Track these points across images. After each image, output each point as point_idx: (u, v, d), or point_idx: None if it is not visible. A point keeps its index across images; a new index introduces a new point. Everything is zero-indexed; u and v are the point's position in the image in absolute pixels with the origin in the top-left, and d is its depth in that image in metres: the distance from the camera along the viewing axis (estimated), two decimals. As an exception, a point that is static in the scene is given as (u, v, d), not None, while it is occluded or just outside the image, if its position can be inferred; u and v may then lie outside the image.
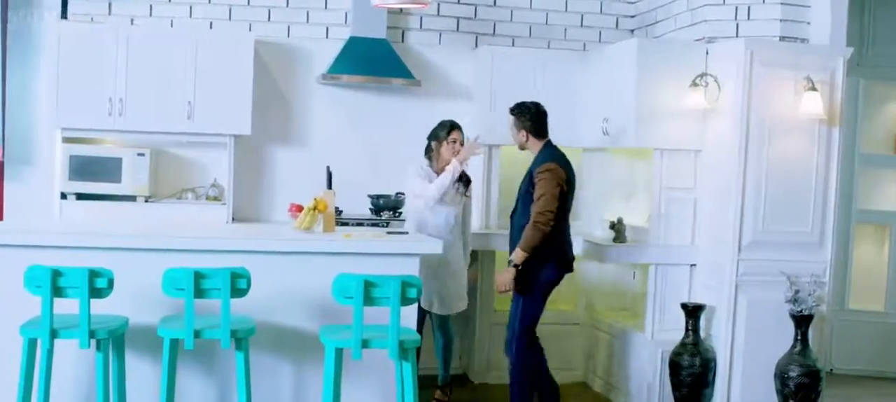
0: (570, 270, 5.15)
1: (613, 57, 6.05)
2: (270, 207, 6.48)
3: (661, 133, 5.70)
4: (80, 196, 5.95)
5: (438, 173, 5.52)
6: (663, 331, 5.75)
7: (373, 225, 6.03)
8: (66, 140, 5.95)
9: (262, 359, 4.55)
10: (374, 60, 6.27)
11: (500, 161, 6.37)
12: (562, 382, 5.46)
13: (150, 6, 6.30)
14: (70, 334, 4.01)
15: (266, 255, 4.53)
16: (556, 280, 5.09)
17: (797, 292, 5.35)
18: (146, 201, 6.03)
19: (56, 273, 3.96)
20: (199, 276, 4.05)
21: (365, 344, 4.13)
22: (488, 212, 6.37)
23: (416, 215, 5.58)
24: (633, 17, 6.91)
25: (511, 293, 5.06)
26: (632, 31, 6.89)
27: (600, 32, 6.88)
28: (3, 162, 6.18)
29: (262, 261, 4.45)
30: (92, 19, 6.19)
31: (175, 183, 6.32)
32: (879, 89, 7.03)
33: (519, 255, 4.92)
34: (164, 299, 4.24)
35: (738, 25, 5.77)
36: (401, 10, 6.50)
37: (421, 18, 6.67)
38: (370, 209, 6.36)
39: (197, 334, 4.10)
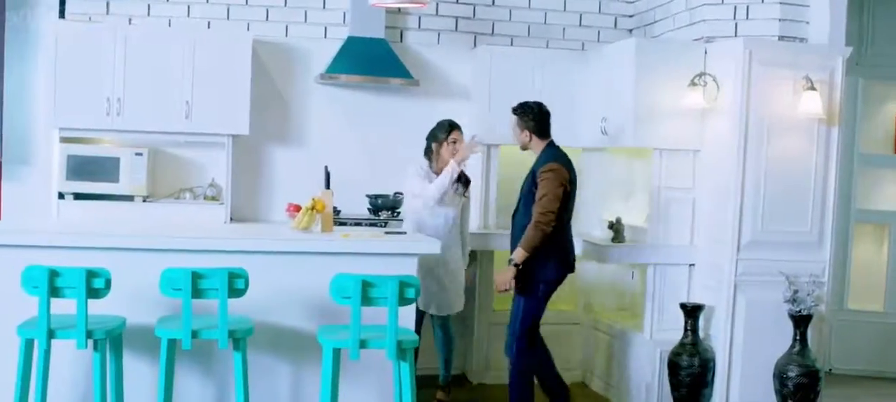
0: (572, 270, 5.13)
1: (612, 57, 6.05)
2: (268, 207, 6.47)
3: (660, 133, 5.69)
4: (78, 196, 5.94)
5: (438, 174, 5.49)
6: (662, 331, 5.75)
7: (371, 225, 6.02)
8: (64, 140, 5.94)
9: (260, 359, 4.54)
10: (372, 60, 6.26)
11: (499, 161, 6.37)
12: (561, 382, 5.46)
13: (148, 6, 6.29)
14: (67, 334, 4.01)
15: (264, 255, 4.53)
16: (557, 280, 5.07)
17: (796, 292, 5.34)
18: (144, 201, 6.03)
19: (53, 273, 3.96)
20: (196, 276, 4.04)
21: (363, 344, 4.13)
22: (487, 212, 6.37)
23: (415, 215, 5.56)
24: (631, 16, 6.90)
25: (511, 293, 5.05)
26: (630, 30, 6.88)
27: (599, 32, 6.87)
28: (0, 162, 6.17)
29: (259, 261, 4.45)
30: (90, 19, 6.18)
31: (173, 183, 6.31)
32: (878, 89, 7.02)
33: (519, 254, 4.90)
34: (162, 300, 4.24)
35: (736, 25, 5.76)
36: (399, 9, 6.49)
37: (419, 18, 6.66)
38: (368, 209, 6.35)
39: (194, 334, 4.09)
